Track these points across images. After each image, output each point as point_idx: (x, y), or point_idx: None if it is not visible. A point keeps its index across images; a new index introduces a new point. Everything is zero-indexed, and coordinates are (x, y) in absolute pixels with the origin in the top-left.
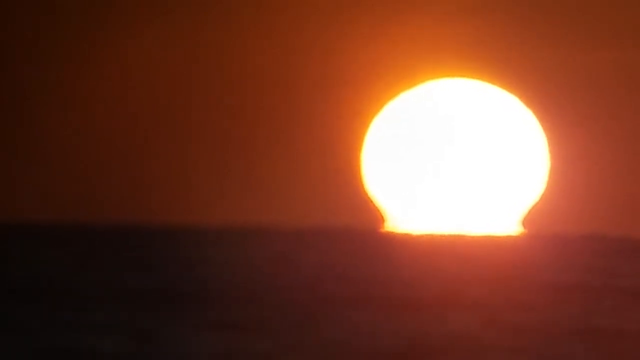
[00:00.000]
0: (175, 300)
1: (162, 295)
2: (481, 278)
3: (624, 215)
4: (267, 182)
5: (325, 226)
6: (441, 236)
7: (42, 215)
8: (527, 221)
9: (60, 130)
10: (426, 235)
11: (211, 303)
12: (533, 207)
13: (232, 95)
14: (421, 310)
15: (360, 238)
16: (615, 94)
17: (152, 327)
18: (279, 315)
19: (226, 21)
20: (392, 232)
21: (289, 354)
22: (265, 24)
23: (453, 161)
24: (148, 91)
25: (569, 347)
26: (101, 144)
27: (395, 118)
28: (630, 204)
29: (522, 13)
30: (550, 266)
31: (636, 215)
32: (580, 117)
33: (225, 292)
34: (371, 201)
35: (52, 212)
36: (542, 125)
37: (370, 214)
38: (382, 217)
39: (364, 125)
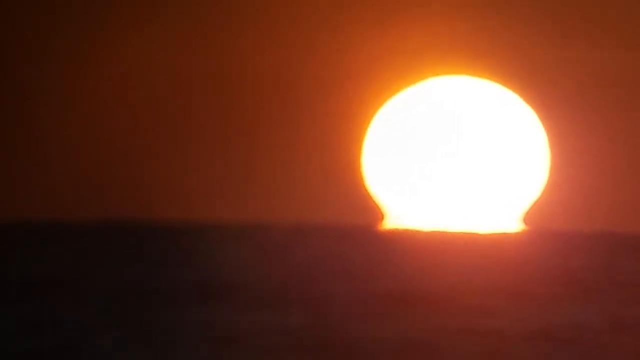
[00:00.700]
0: (175, 297)
1: (162, 292)
2: (482, 275)
3: (624, 212)
4: (267, 179)
5: (325, 223)
6: (442, 233)
7: (42, 215)
8: (527, 218)
9: (60, 130)
10: (427, 232)
11: (211, 300)
12: (534, 204)
13: (232, 94)
14: (421, 307)
15: (360, 235)
16: (616, 91)
17: (152, 325)
18: (277, 313)
19: (226, 20)
20: (393, 230)
21: (289, 353)
22: (265, 23)
23: (454, 158)
24: (148, 91)
25: (568, 344)
26: (101, 143)
27: (396, 115)
28: (631, 200)
29: (524, 10)
30: (551, 263)
31: (637, 211)
32: (581, 114)
33: (226, 289)
34: (372, 198)
35: (52, 211)
36: (543, 123)
37: (370, 211)
38: (382, 214)
39: (365, 122)
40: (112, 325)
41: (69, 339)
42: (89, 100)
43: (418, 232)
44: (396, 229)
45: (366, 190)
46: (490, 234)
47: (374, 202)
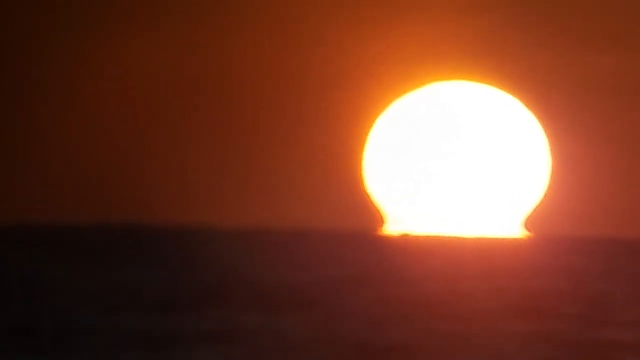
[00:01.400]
0: (175, 299)
1: (162, 294)
2: (483, 279)
3: (624, 216)
4: (269, 183)
5: (326, 227)
6: (443, 238)
7: (42, 215)
8: (529, 223)
9: (60, 130)
10: (428, 237)
11: (212, 302)
12: (535, 209)
13: (234, 96)
14: (421, 310)
15: (360, 239)
16: (617, 96)
17: (152, 324)
18: (276, 314)
19: (228, 22)
20: (393, 234)
21: (289, 352)
22: (267, 26)
23: (455, 163)
24: (148, 92)
25: (568, 347)
26: (101, 146)
27: (397, 120)
28: (632, 204)
29: (525, 17)
30: (552, 267)
31: (637, 216)
32: (582, 119)
33: (225, 292)
34: (372, 202)
35: (51, 211)
36: (544, 128)
37: (371, 216)
38: (383, 218)
39: (366, 127)
40: (111, 326)
41: (70, 339)
42: (89, 100)
43: (419, 236)
44: (397, 234)
45: (367, 195)
46: (491, 239)
47: (374, 206)
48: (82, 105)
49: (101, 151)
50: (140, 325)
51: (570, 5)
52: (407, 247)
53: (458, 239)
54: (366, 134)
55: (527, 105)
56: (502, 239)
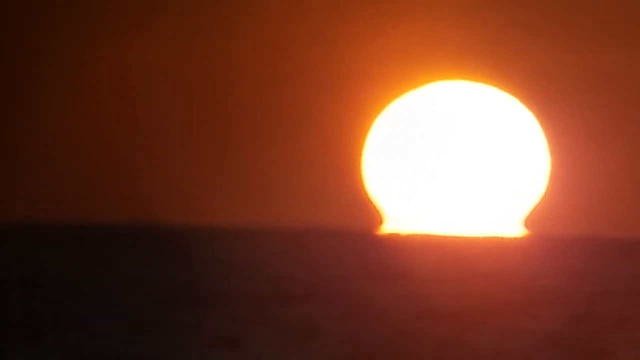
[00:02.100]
0: (175, 298)
1: (161, 293)
2: (482, 279)
3: (623, 216)
4: (268, 183)
5: (325, 226)
6: (441, 237)
7: (42, 215)
8: (528, 222)
9: (60, 130)
10: (427, 236)
11: (211, 301)
12: (534, 208)
13: (234, 96)
14: (419, 309)
15: (359, 239)
16: (615, 95)
17: (152, 325)
18: (278, 314)
19: (228, 22)
20: (392, 234)
21: (289, 352)
22: (267, 26)
23: (454, 162)
24: (148, 93)
25: (568, 347)
26: (101, 144)
27: (396, 120)
28: (630, 204)
29: (524, 16)
30: (551, 267)
31: (636, 216)
32: (580, 118)
33: (224, 291)
34: (371, 202)
35: (51, 211)
36: (543, 127)
37: (370, 215)
38: (382, 218)
39: (365, 127)
40: (114, 323)
41: (69, 340)
42: (89, 100)
43: (418, 236)
44: (396, 233)
45: (366, 195)
46: (490, 238)
47: (373, 206)
48: (82, 105)
49: (101, 151)
50: (140, 325)
51: (568, 5)
52: (405, 246)
53: (457, 238)
54: (365, 134)
55: (525, 105)
56: (501, 239)
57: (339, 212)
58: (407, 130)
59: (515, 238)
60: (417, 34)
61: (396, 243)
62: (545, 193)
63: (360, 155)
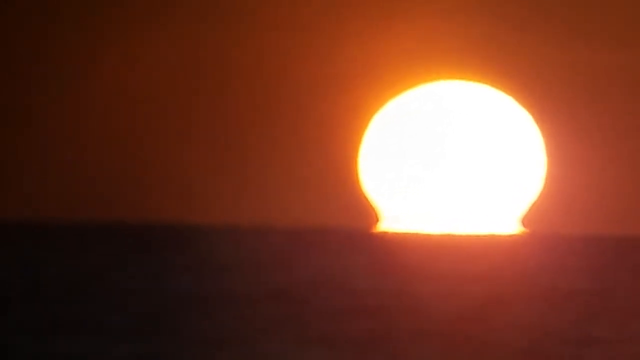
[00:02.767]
0: (175, 298)
1: (162, 293)
2: (478, 278)
3: (620, 214)
4: (264, 183)
5: (321, 226)
6: (438, 236)
7: (42, 215)
8: (525, 221)
9: (60, 129)
10: (423, 235)
11: (210, 301)
12: (531, 207)
13: (233, 95)
14: (416, 308)
15: (356, 238)
16: (612, 94)
17: (153, 325)
18: (277, 313)
19: (228, 22)
20: (388, 232)
21: (289, 352)
22: (265, 26)
23: (451, 161)
24: (149, 92)
25: (566, 345)
26: (101, 144)
27: (393, 119)
28: (627, 202)
29: (520, 15)
30: (547, 265)
31: (633, 214)
32: (577, 117)
33: (223, 290)
34: (367, 201)
35: (51, 211)
36: (539, 126)
37: (366, 214)
38: (378, 217)
39: (362, 126)
40: (114, 323)
41: (70, 340)
42: (89, 101)
43: (414, 234)
44: (392, 232)
45: (362, 194)
46: (487, 237)
47: (370, 205)
48: (83, 105)
49: (101, 151)
50: (140, 326)
51: (566, 4)
52: (402, 245)
53: (454, 236)
54: (362, 133)
55: (522, 104)
56: (499, 237)
57: (335, 210)
58: (403, 129)
59: (512, 236)
60: (414, 34)
61: (393, 241)
62: (542, 191)
63: (357, 154)
